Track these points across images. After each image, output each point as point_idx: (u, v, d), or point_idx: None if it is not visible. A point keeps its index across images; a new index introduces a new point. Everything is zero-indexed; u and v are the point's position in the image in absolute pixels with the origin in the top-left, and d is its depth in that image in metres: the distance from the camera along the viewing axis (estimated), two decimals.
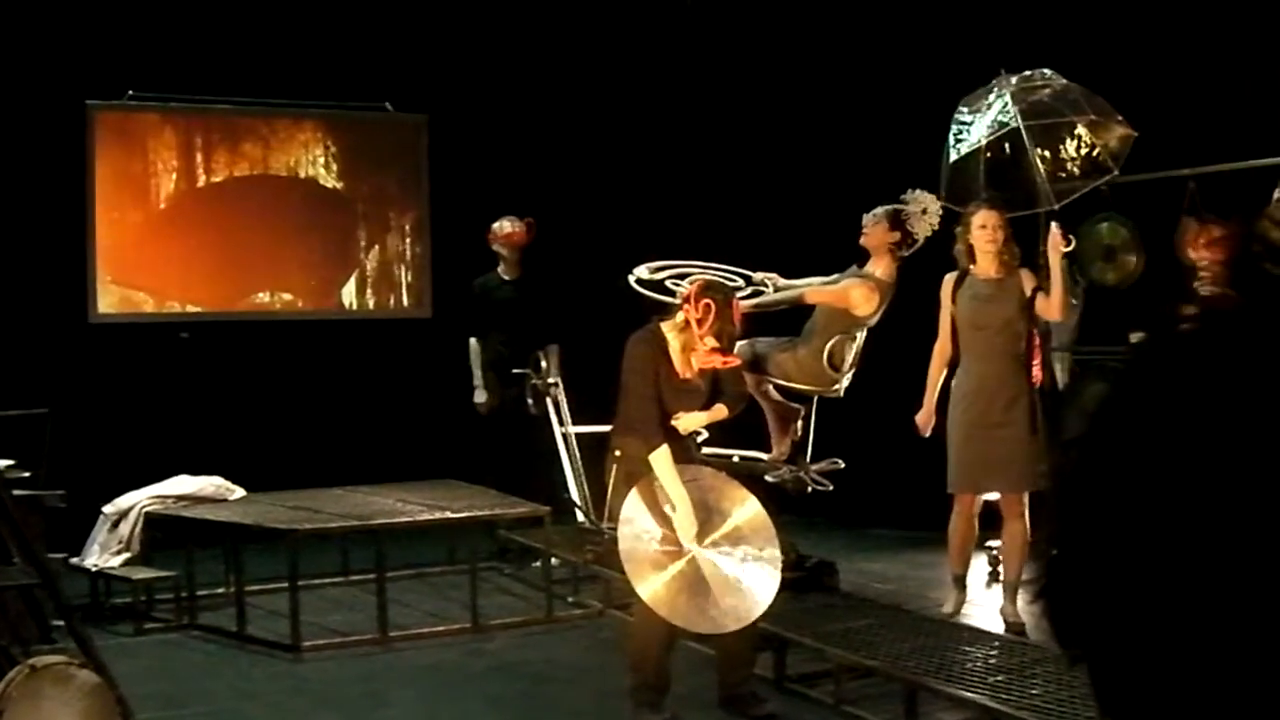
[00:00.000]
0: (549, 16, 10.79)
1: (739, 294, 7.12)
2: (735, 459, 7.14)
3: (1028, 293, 6.69)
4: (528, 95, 10.82)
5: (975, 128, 7.02)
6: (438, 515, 7.53)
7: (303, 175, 10.92)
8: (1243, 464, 0.57)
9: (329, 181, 11.03)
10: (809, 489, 7.04)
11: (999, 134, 6.91)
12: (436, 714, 5.84)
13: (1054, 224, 6.68)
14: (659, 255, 7.39)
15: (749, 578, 5.39)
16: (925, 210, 6.90)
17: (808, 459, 7.12)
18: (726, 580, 5.37)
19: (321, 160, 10.98)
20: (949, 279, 6.89)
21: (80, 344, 9.79)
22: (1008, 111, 6.86)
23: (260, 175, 10.78)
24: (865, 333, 6.98)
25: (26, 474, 6.84)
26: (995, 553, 8.09)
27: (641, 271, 7.24)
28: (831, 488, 7.09)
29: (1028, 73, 7.02)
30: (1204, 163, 7.48)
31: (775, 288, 7.12)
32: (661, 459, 5.35)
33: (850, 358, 6.98)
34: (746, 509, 5.52)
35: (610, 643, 6.87)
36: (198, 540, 7.45)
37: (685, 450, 5.62)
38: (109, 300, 10.20)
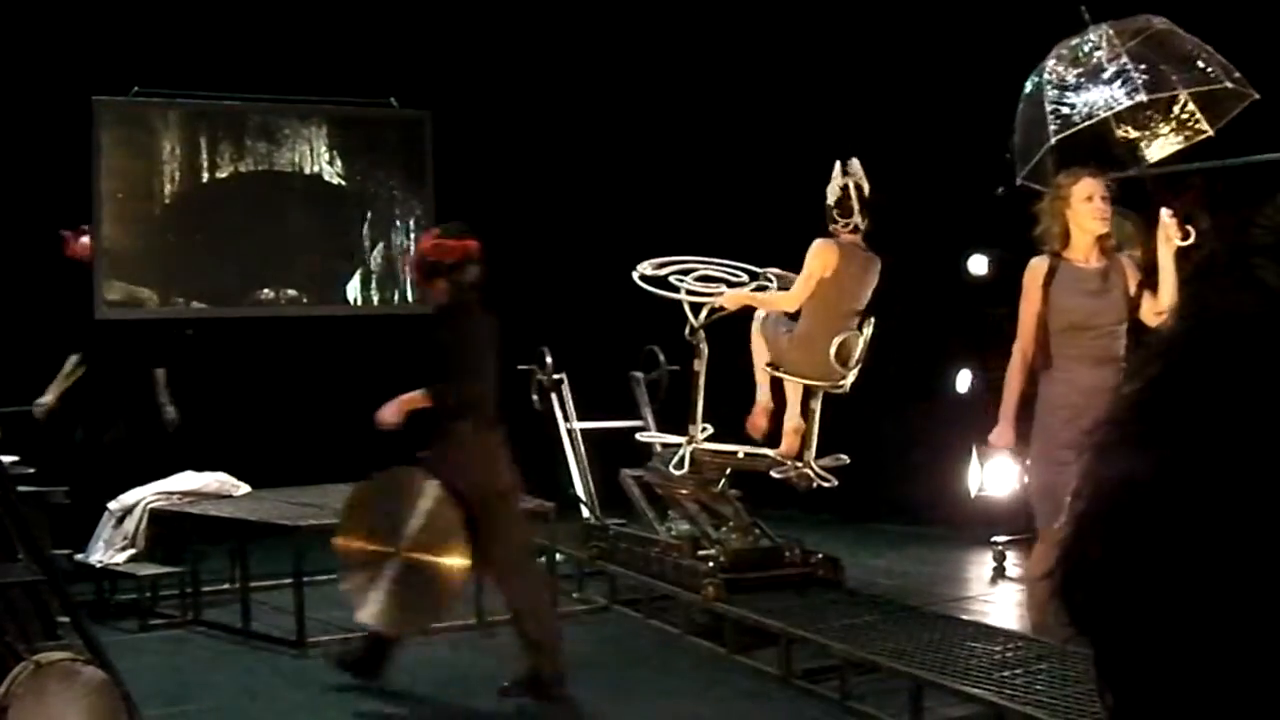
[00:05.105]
0: (552, 12, 10.78)
1: (747, 288, 7.14)
2: (740, 455, 7.14)
3: (1132, 287, 5.49)
4: (532, 91, 10.81)
5: (1084, 94, 5.68)
6: None
7: (307, 171, 10.93)
8: None
9: (333, 177, 11.03)
10: (814, 484, 7.03)
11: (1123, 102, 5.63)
12: (442, 710, 5.85)
13: (1164, 211, 5.44)
14: (664, 250, 7.40)
15: (431, 576, 5.65)
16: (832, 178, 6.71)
17: (813, 454, 7.12)
18: (422, 580, 5.67)
19: (326, 156, 10.99)
20: (1038, 266, 5.56)
21: (85, 340, 9.78)
22: (1127, 76, 5.54)
23: (265, 171, 10.79)
24: (872, 328, 6.95)
25: (31, 470, 6.85)
26: (1001, 548, 8.10)
27: (645, 268, 7.24)
28: (836, 483, 7.09)
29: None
30: (1210, 156, 7.45)
31: (780, 286, 7.11)
32: None
33: (857, 353, 6.96)
34: (429, 505, 5.68)
35: (616, 638, 6.88)
36: (203, 536, 7.46)
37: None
38: (114, 296, 10.21)
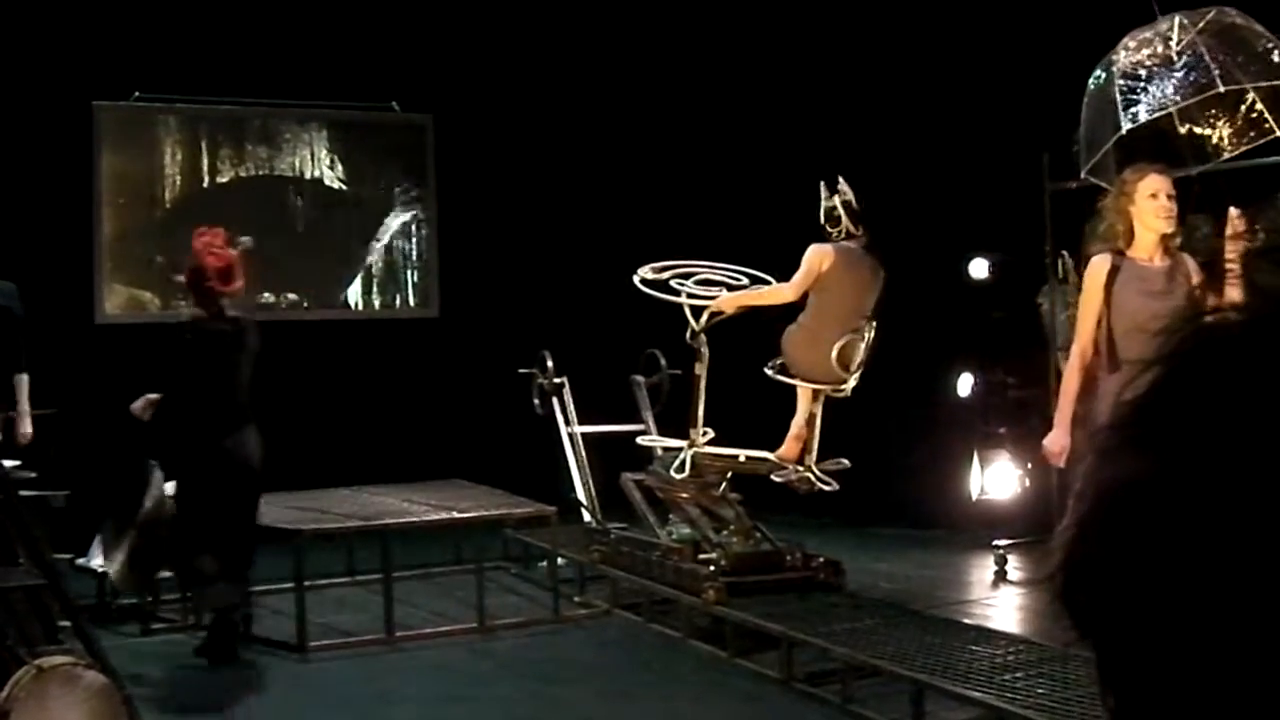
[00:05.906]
0: (554, 18, 10.79)
1: (749, 290, 7.15)
2: (741, 458, 7.14)
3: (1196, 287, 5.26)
4: (534, 95, 10.82)
5: (1156, 84, 5.48)
6: (444, 515, 7.53)
7: (308, 175, 10.94)
8: None
9: (334, 182, 11.04)
10: (815, 488, 7.03)
11: (1200, 93, 5.43)
12: (443, 714, 5.84)
13: (1232, 210, 5.23)
14: (665, 254, 7.41)
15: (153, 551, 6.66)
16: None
17: (814, 458, 7.12)
18: (146, 553, 6.66)
19: (327, 160, 11.00)
20: (1101, 265, 5.27)
21: (87, 345, 9.80)
22: (1202, 66, 5.33)
23: (266, 175, 10.80)
24: (873, 331, 6.95)
25: (33, 474, 6.85)
26: (1002, 551, 8.09)
27: (645, 272, 7.25)
28: (837, 487, 7.08)
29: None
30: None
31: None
32: None
33: (858, 358, 6.96)
34: (155, 494, 6.65)
35: (617, 642, 6.88)
36: None
37: None
38: (115, 301, 10.22)
